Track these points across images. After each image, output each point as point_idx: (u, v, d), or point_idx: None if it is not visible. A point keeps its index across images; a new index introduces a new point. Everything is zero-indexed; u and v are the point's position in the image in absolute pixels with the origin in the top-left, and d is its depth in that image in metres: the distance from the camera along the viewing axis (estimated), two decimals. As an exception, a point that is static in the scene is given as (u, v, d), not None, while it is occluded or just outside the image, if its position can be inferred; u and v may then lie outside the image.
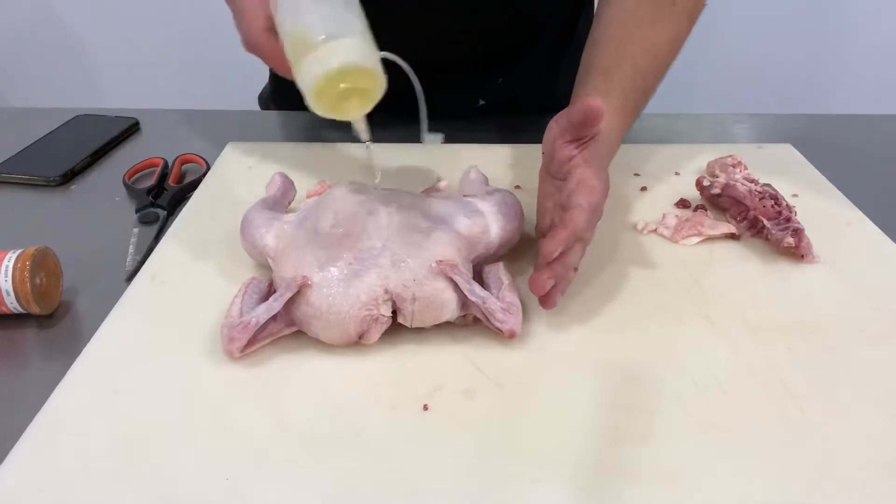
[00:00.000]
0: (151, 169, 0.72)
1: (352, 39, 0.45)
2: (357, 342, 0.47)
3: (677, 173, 0.70)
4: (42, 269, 0.51)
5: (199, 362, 0.47)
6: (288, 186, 0.61)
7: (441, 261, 0.47)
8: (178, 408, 0.43)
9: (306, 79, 0.45)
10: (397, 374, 0.46)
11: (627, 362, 0.47)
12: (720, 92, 1.79)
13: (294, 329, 0.48)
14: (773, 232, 0.57)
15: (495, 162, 0.70)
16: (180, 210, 0.64)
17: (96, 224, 0.64)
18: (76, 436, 0.41)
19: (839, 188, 0.67)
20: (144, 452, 0.40)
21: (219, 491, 0.38)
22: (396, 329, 0.48)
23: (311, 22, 0.45)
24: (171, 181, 0.69)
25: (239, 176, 0.69)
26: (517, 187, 0.66)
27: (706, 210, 0.63)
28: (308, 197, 0.62)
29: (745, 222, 0.60)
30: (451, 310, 0.47)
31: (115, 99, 1.83)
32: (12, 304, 0.50)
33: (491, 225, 0.53)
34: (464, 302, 0.47)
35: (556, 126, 0.52)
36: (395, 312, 0.47)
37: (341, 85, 0.44)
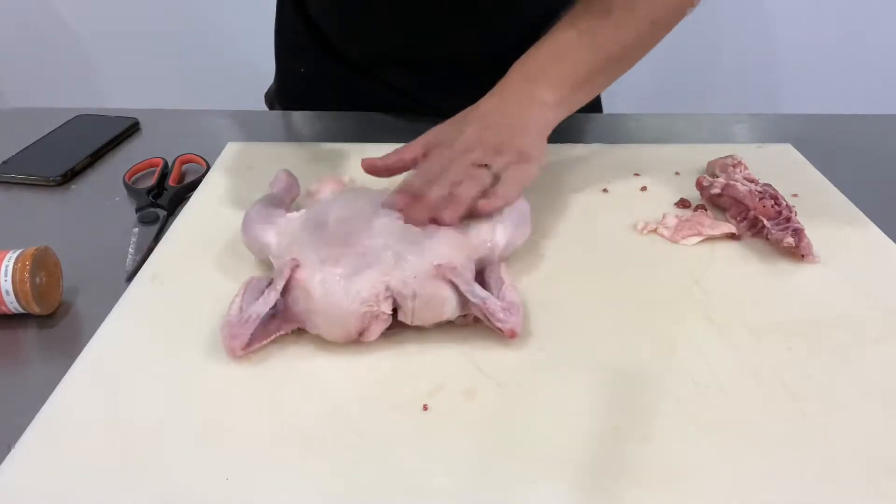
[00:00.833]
0: (151, 169, 0.72)
1: None
2: (357, 339, 0.47)
3: (677, 173, 0.70)
4: (42, 269, 0.51)
5: (199, 362, 0.47)
6: (292, 183, 0.61)
7: (440, 265, 0.47)
8: (178, 408, 0.43)
9: None
10: (397, 374, 0.46)
11: (627, 362, 0.47)
12: (720, 92, 1.79)
13: (295, 326, 0.48)
14: (773, 232, 0.57)
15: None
16: (180, 210, 0.64)
17: (96, 224, 0.64)
18: (76, 436, 0.41)
19: (839, 188, 0.67)
20: (144, 452, 0.40)
21: (219, 491, 0.38)
22: (397, 329, 0.48)
23: None
24: (171, 181, 0.69)
25: (239, 176, 0.69)
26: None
27: (706, 210, 0.63)
28: (310, 193, 0.62)
29: (745, 222, 0.60)
30: (451, 308, 0.47)
31: (115, 99, 1.84)
32: (12, 304, 0.50)
33: (497, 228, 0.52)
34: (465, 301, 0.47)
35: None
36: (396, 311, 0.47)
37: None
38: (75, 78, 1.86)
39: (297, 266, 0.47)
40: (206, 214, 0.63)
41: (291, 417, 0.43)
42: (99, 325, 0.50)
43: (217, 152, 0.73)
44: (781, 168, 0.70)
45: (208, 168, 0.71)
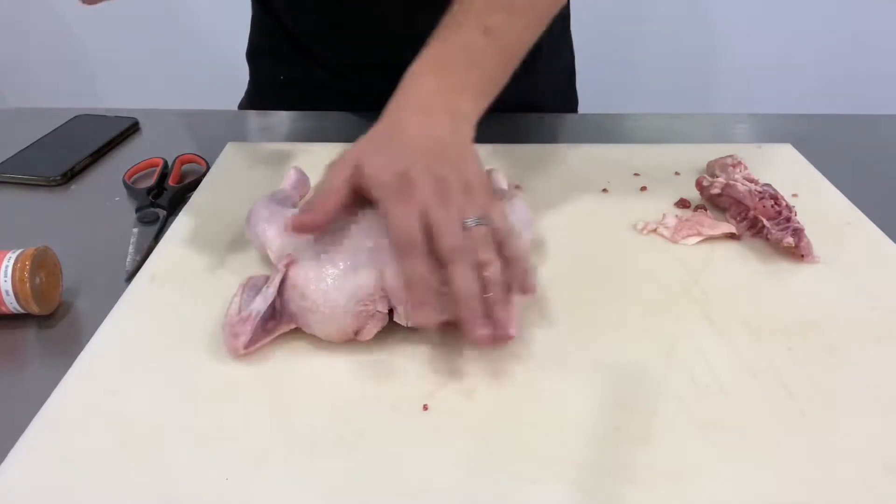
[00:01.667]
0: (151, 169, 0.72)
1: None
2: (353, 339, 0.47)
3: (677, 173, 0.70)
4: (42, 269, 0.51)
5: (199, 362, 0.47)
6: (302, 181, 0.61)
7: None
8: (178, 408, 0.43)
9: None
10: (397, 374, 0.46)
11: (627, 362, 0.47)
12: (721, 92, 1.79)
13: (293, 326, 0.48)
14: (773, 232, 0.57)
15: (486, 162, 0.70)
16: (180, 210, 0.64)
17: (96, 224, 0.64)
18: (76, 436, 0.41)
19: (839, 188, 0.67)
20: (144, 452, 0.40)
21: (219, 491, 0.38)
22: (396, 329, 0.48)
23: None
24: (171, 181, 0.69)
25: (239, 176, 0.69)
26: (517, 187, 0.66)
27: (706, 210, 0.63)
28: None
29: (745, 222, 0.60)
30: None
31: (115, 99, 1.83)
32: (12, 304, 0.50)
33: None
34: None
35: None
36: (392, 311, 0.47)
37: None
38: (75, 78, 1.86)
39: (292, 263, 0.47)
40: (206, 214, 0.63)
41: (291, 417, 0.43)
42: (99, 325, 0.50)
43: (217, 152, 0.73)
44: (781, 168, 0.70)
45: (208, 168, 0.71)
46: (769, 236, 0.58)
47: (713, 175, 0.66)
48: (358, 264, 0.46)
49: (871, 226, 0.61)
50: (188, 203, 0.65)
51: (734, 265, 0.56)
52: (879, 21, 1.70)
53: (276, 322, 0.47)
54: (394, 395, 0.44)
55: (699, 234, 0.59)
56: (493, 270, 0.45)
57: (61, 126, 0.80)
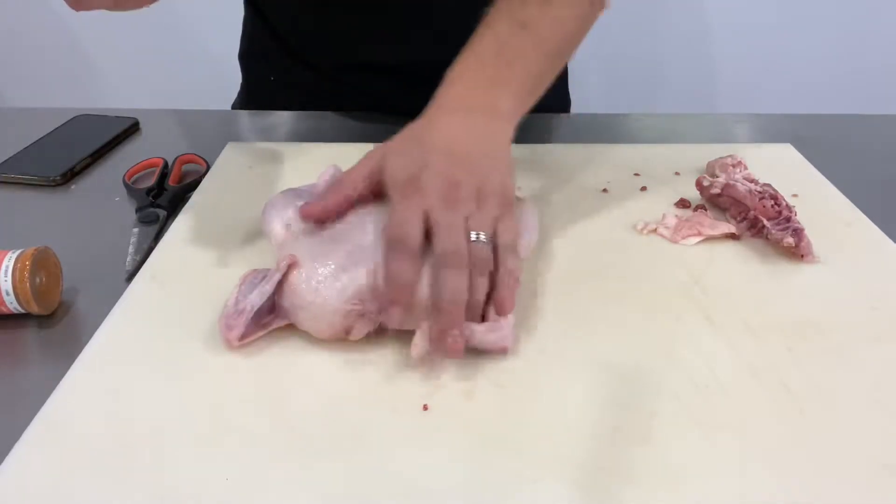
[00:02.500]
0: (151, 169, 0.72)
1: None
2: (344, 338, 0.47)
3: (677, 173, 0.70)
4: (42, 269, 0.51)
5: (199, 362, 0.47)
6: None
7: None
8: (178, 408, 0.43)
9: None
10: (397, 374, 0.46)
11: (627, 362, 0.47)
12: (720, 92, 1.79)
13: (287, 321, 0.48)
14: (773, 232, 0.57)
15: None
16: (180, 210, 0.64)
17: (96, 224, 0.64)
18: (76, 436, 0.41)
19: (839, 188, 0.67)
20: (144, 452, 0.40)
21: (219, 491, 0.38)
22: (396, 329, 0.48)
23: None
24: (171, 181, 0.69)
25: (239, 176, 0.69)
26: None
27: (706, 210, 0.63)
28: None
29: (745, 222, 0.60)
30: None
31: (115, 99, 1.83)
32: (12, 304, 0.50)
33: None
34: None
35: None
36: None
37: None
38: (75, 78, 1.86)
39: (293, 263, 0.47)
40: (206, 214, 0.63)
41: (291, 418, 0.43)
42: (99, 325, 0.50)
43: (217, 152, 0.73)
44: (781, 168, 0.70)
45: (208, 168, 0.71)
46: (769, 236, 0.58)
47: (713, 175, 0.66)
48: (353, 264, 0.46)
49: (871, 226, 0.61)
50: (188, 203, 0.65)
51: (734, 265, 0.56)
52: (880, 21, 1.70)
53: (271, 317, 0.48)
54: (394, 395, 0.44)
55: (699, 234, 0.59)
56: (478, 294, 0.44)
57: (61, 126, 0.80)
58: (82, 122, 0.81)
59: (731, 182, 0.62)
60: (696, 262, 0.57)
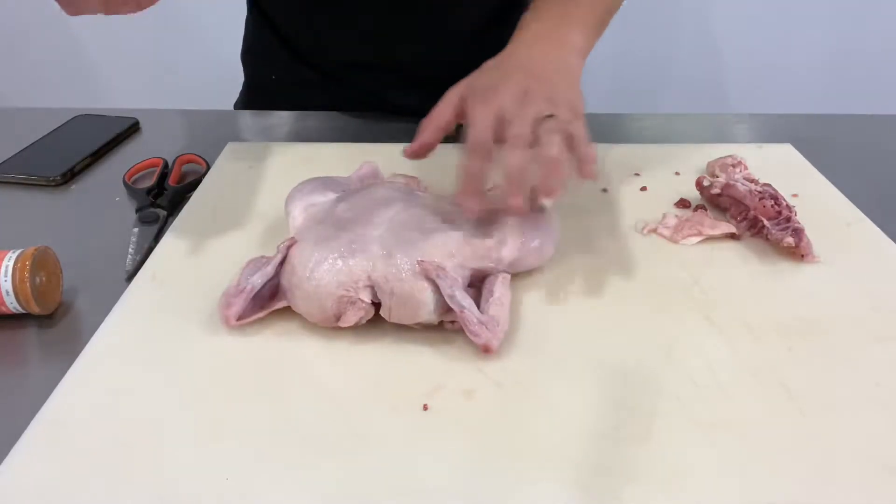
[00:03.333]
0: (151, 169, 0.72)
1: None
2: (335, 324, 0.47)
3: (677, 173, 0.70)
4: (42, 269, 0.51)
5: (198, 362, 0.47)
6: (371, 174, 0.62)
7: (422, 261, 0.47)
8: (178, 407, 0.43)
9: None
10: (397, 374, 0.46)
11: (627, 362, 0.47)
12: (720, 92, 1.79)
13: (284, 303, 0.49)
14: (773, 232, 0.57)
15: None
16: (180, 210, 0.64)
17: (96, 224, 0.64)
18: (76, 436, 0.41)
19: (839, 188, 0.67)
20: (144, 452, 0.40)
21: (218, 491, 0.38)
22: (396, 328, 0.48)
23: None
24: (171, 181, 0.69)
25: (239, 176, 0.69)
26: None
27: (706, 210, 0.63)
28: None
29: (745, 222, 0.60)
30: (427, 311, 0.47)
31: (115, 99, 1.83)
32: (12, 304, 0.50)
33: (507, 239, 0.51)
34: (448, 307, 0.47)
35: None
36: (380, 305, 0.47)
37: None
38: (75, 78, 1.86)
39: (294, 244, 0.49)
40: (206, 214, 0.63)
41: (291, 417, 0.43)
42: (99, 325, 0.50)
43: (217, 152, 0.73)
44: (781, 168, 0.70)
45: (208, 168, 0.71)
46: (769, 236, 0.58)
47: (713, 175, 0.66)
48: (352, 253, 0.47)
49: (871, 226, 0.61)
50: (188, 203, 0.65)
51: (734, 265, 0.56)
52: (880, 21, 1.70)
53: (272, 299, 0.49)
54: (394, 395, 0.44)
55: (699, 234, 0.59)
56: (552, 125, 0.48)
57: (61, 126, 0.80)
58: (82, 122, 0.81)
59: (731, 182, 0.62)
60: (696, 262, 0.57)
